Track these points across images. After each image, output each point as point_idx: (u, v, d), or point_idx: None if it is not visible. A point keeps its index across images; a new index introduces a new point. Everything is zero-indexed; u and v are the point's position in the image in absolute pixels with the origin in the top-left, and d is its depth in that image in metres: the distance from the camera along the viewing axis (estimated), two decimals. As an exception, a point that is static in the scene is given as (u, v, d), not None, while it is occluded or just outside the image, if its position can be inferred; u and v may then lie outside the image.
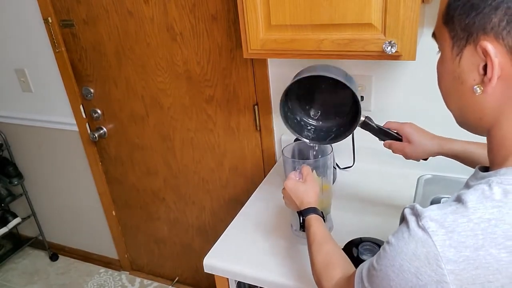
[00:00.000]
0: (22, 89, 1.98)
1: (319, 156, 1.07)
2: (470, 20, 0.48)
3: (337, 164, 1.37)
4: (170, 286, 2.19)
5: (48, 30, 1.71)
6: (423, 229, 0.47)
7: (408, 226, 0.49)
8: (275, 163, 1.57)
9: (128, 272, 2.33)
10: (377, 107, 1.32)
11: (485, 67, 0.49)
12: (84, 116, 1.89)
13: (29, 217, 2.37)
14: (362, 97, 1.31)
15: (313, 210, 0.88)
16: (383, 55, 0.94)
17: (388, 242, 0.53)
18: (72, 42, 1.72)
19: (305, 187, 0.92)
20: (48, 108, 1.98)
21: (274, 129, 1.53)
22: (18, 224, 2.31)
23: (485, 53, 0.48)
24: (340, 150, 1.38)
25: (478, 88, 0.50)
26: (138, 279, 2.27)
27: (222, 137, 1.65)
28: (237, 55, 1.45)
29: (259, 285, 1.04)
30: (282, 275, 1.00)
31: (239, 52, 1.44)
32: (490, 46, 0.47)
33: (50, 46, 1.76)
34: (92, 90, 1.80)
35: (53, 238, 2.49)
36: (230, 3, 1.36)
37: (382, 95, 1.30)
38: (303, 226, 0.89)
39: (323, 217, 0.89)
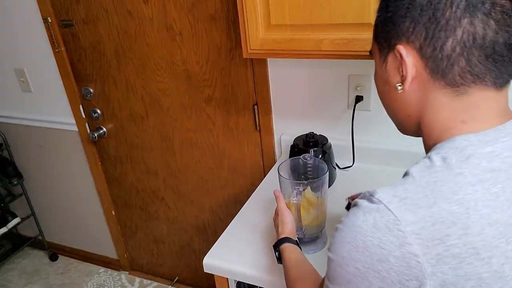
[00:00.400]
0: (22, 89, 1.98)
1: (314, 173, 1.06)
2: (389, 31, 0.59)
3: (336, 164, 1.37)
4: (170, 286, 2.20)
5: (47, 30, 1.71)
6: (378, 202, 0.50)
7: (359, 206, 0.52)
8: (275, 163, 1.57)
9: (127, 272, 2.33)
10: (376, 107, 1.32)
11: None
12: (83, 116, 1.89)
13: (28, 217, 2.37)
14: (361, 97, 1.31)
15: (285, 239, 0.90)
16: (382, 55, 0.95)
17: (339, 229, 0.54)
18: (72, 42, 1.72)
19: (278, 221, 0.96)
20: (47, 108, 1.98)
21: (274, 129, 1.53)
22: (18, 224, 2.31)
23: (400, 55, 0.57)
24: (340, 150, 1.38)
25: (399, 86, 0.59)
26: (137, 279, 2.27)
27: (222, 137, 1.65)
28: (236, 55, 1.45)
29: (258, 285, 1.04)
30: (282, 275, 1.00)
31: (238, 52, 1.44)
32: (402, 49, 0.56)
33: (49, 46, 1.76)
34: (91, 90, 1.80)
35: (52, 238, 2.49)
36: (230, 2, 1.36)
37: (382, 95, 1.30)
38: (279, 259, 0.91)
39: (295, 243, 0.91)
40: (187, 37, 1.50)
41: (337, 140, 1.38)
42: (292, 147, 1.28)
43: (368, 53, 0.98)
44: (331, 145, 1.30)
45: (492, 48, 0.52)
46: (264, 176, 1.50)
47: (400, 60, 0.57)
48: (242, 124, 1.58)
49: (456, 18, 0.52)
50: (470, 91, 0.54)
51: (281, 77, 1.42)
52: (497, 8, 0.51)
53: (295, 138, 1.32)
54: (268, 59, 1.41)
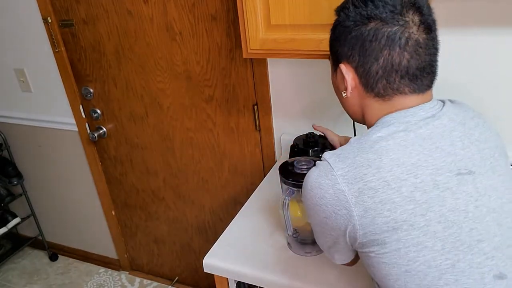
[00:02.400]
0: (22, 89, 1.98)
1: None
2: (335, 50, 0.75)
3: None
4: (170, 286, 2.19)
5: (47, 30, 1.71)
6: (323, 159, 0.70)
7: (315, 164, 0.72)
8: (275, 163, 1.57)
9: (127, 272, 2.33)
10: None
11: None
12: (83, 116, 1.89)
13: (28, 217, 2.37)
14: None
15: None
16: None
17: (304, 184, 0.73)
18: (72, 42, 1.72)
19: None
20: (47, 108, 1.98)
21: (274, 128, 1.53)
22: (18, 224, 2.31)
23: (342, 72, 0.74)
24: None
25: (343, 93, 0.77)
26: (137, 279, 2.27)
27: (222, 137, 1.65)
28: (236, 55, 1.45)
29: (258, 285, 1.04)
30: (282, 275, 1.00)
31: (238, 52, 1.44)
32: (343, 67, 0.74)
33: (49, 46, 1.76)
34: (91, 90, 1.80)
35: (52, 238, 2.49)
36: (230, 2, 1.36)
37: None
38: None
39: None
40: (187, 37, 1.50)
41: (337, 140, 1.38)
42: (292, 147, 1.28)
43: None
44: (330, 144, 1.30)
45: (405, 71, 0.68)
46: (264, 176, 1.50)
47: (343, 75, 0.74)
48: (242, 124, 1.58)
49: (378, 49, 0.68)
50: (394, 98, 0.71)
51: (281, 77, 1.42)
52: (411, 42, 0.67)
53: (295, 138, 1.32)
54: (268, 59, 1.41)
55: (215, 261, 1.08)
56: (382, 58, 0.68)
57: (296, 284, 0.98)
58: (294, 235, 1.05)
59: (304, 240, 1.05)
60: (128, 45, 1.61)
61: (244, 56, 1.11)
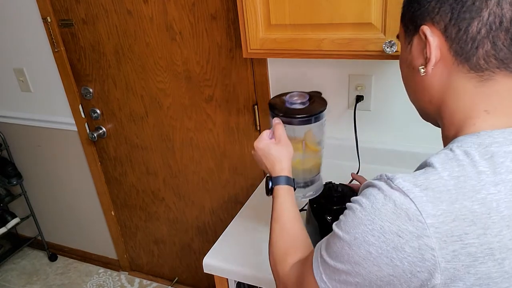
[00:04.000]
0: (21, 89, 1.98)
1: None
2: (414, 12, 0.57)
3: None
4: (170, 286, 2.19)
5: (47, 30, 1.71)
6: (398, 189, 0.49)
7: (379, 189, 0.50)
8: (275, 163, 1.57)
9: (127, 272, 2.32)
10: (376, 107, 1.32)
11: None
12: (83, 116, 1.89)
13: (28, 217, 2.36)
14: (362, 96, 1.31)
15: (285, 179, 0.83)
16: (383, 55, 0.94)
17: (354, 208, 0.52)
18: (71, 42, 1.72)
19: (277, 150, 0.85)
20: (47, 108, 1.97)
21: (274, 129, 1.53)
22: (17, 224, 2.31)
23: (425, 35, 0.55)
24: (340, 150, 1.38)
25: (422, 69, 0.56)
26: (137, 279, 2.27)
27: (222, 137, 1.65)
28: (236, 54, 1.45)
29: (258, 285, 1.04)
30: (282, 275, 1.00)
31: (238, 51, 1.44)
32: (427, 29, 0.54)
33: (49, 45, 1.76)
34: (91, 90, 1.80)
35: (52, 238, 2.49)
36: (230, 2, 1.36)
37: (382, 95, 1.30)
38: (271, 192, 0.84)
39: (294, 186, 0.85)
40: (187, 36, 1.50)
41: (338, 140, 1.38)
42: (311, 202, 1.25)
43: (368, 53, 0.98)
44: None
45: None
46: (264, 176, 1.50)
47: (425, 41, 0.55)
48: (242, 124, 1.58)
49: None
50: (495, 78, 0.52)
51: (281, 77, 1.42)
52: None
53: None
54: (268, 59, 1.41)
55: (215, 261, 1.08)
56: (487, 11, 0.50)
57: (296, 284, 0.97)
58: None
59: (305, 181, 1.00)
60: (128, 45, 1.61)
61: (244, 56, 1.11)
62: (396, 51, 0.92)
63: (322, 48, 1.00)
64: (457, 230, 0.46)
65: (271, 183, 0.84)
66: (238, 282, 1.11)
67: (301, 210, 1.14)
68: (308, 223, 1.06)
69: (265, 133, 0.89)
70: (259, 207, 1.28)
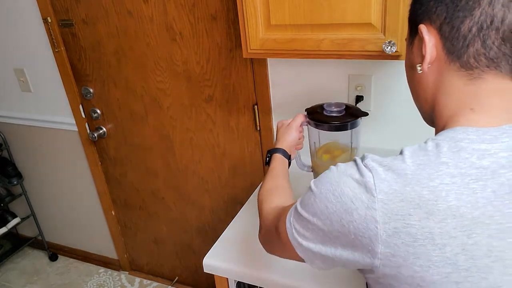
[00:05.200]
0: (21, 89, 1.98)
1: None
2: (416, 11, 0.59)
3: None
4: (170, 286, 2.19)
5: (47, 30, 1.71)
6: (366, 165, 0.55)
7: (355, 162, 0.57)
8: (275, 163, 1.57)
9: (127, 272, 2.33)
10: (376, 107, 1.32)
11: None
12: (83, 116, 1.89)
13: (28, 217, 2.37)
14: (361, 97, 1.31)
15: (282, 151, 0.99)
16: (382, 55, 0.95)
17: (331, 169, 0.59)
18: (72, 42, 1.72)
19: (284, 130, 1.04)
20: (47, 108, 1.97)
21: (274, 129, 1.53)
22: (18, 224, 2.31)
23: (421, 34, 0.57)
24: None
25: (418, 66, 0.59)
26: (137, 279, 2.27)
27: (222, 137, 1.65)
28: (236, 55, 1.45)
29: (259, 285, 1.04)
30: (282, 275, 1.00)
31: (238, 52, 1.44)
32: (423, 28, 0.57)
33: (49, 45, 1.76)
34: (91, 90, 1.80)
35: (52, 238, 2.49)
36: (230, 2, 1.36)
37: (382, 95, 1.30)
38: (268, 162, 0.98)
39: (289, 160, 1.00)
40: (187, 37, 1.50)
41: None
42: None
43: (368, 53, 0.98)
44: None
45: (510, 32, 0.51)
46: (264, 176, 1.50)
47: (422, 39, 0.57)
48: (242, 124, 1.58)
49: None
50: (484, 77, 0.53)
51: (281, 77, 1.42)
52: None
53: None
54: (268, 59, 1.41)
55: (215, 261, 1.08)
56: (479, 10, 0.51)
57: (296, 283, 0.98)
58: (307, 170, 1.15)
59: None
60: (128, 45, 1.61)
61: (244, 56, 1.11)
62: (395, 51, 0.92)
63: (322, 48, 1.00)
64: (402, 210, 0.51)
65: (268, 153, 1.00)
66: (238, 281, 1.12)
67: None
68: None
69: (292, 120, 1.07)
70: (259, 207, 1.28)
